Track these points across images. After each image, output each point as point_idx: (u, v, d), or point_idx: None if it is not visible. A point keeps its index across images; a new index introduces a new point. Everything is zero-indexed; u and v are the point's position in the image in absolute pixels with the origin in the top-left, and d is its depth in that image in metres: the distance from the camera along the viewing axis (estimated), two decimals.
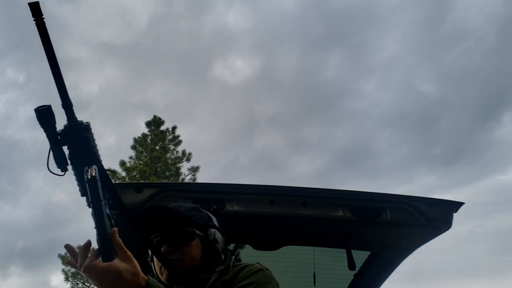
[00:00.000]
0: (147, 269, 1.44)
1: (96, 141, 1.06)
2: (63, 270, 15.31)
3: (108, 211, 1.01)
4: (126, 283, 0.98)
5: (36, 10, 0.94)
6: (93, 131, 1.05)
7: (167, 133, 17.78)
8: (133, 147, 17.13)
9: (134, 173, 15.96)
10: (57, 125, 1.01)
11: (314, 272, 2.69)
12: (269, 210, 2.28)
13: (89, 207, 1.01)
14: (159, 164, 16.77)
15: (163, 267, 1.41)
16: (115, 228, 1.01)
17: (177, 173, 17.03)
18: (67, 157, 1.03)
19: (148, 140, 17.36)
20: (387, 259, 2.71)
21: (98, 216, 0.98)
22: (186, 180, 16.45)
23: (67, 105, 1.01)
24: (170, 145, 17.60)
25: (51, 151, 1.02)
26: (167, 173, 16.80)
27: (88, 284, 15.31)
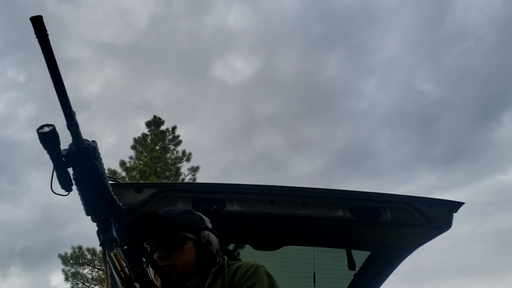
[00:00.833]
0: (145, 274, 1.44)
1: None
2: (63, 270, 15.33)
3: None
4: None
5: (39, 26, 0.84)
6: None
7: (167, 133, 17.79)
8: (133, 147, 17.14)
9: (134, 173, 15.96)
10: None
11: (314, 272, 2.69)
12: (269, 210, 2.28)
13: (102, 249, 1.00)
14: (159, 164, 16.77)
15: None
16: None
17: (177, 173, 17.04)
18: (72, 177, 0.96)
19: (148, 140, 17.36)
20: (387, 259, 2.71)
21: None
22: (186, 180, 16.45)
23: (72, 125, 0.93)
24: (170, 145, 17.61)
25: (54, 172, 0.95)
26: (167, 173, 16.80)
27: (88, 284, 15.32)
